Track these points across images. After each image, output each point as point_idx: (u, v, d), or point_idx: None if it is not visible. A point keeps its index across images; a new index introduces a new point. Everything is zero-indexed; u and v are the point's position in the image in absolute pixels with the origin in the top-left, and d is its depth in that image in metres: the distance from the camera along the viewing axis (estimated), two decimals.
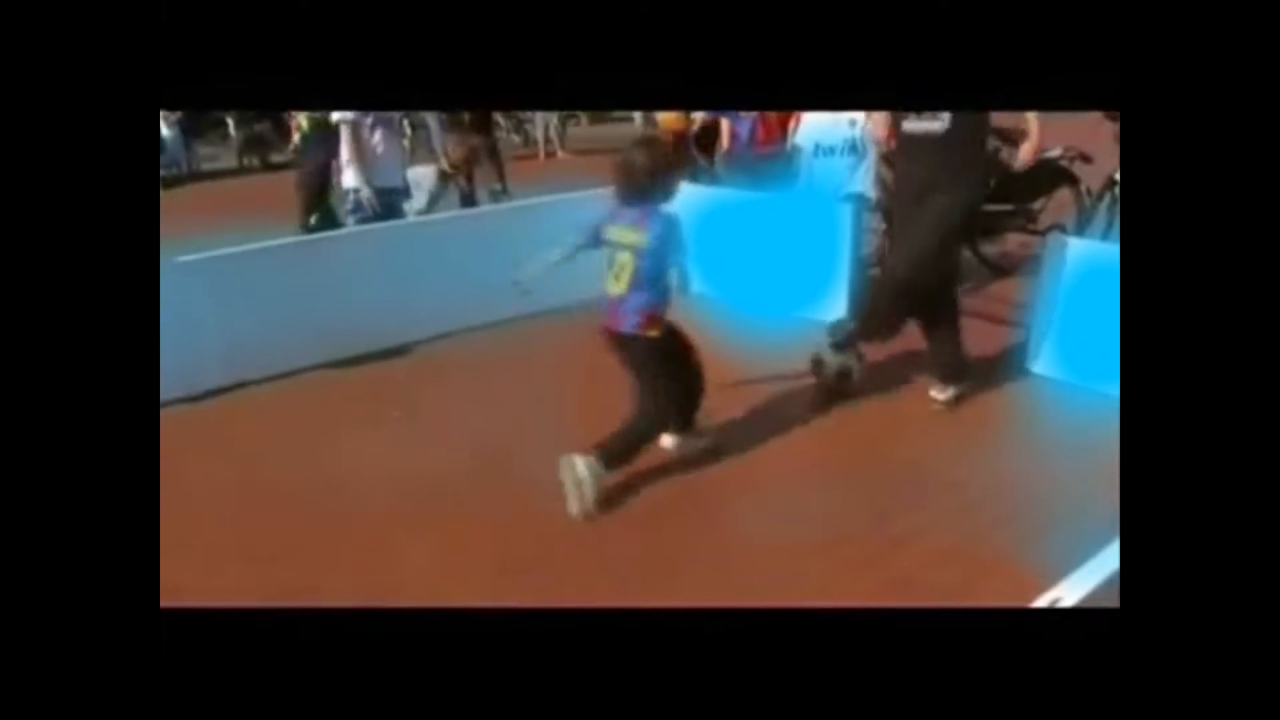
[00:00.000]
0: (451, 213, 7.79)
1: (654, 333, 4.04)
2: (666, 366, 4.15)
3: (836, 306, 6.03)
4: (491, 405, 5.27)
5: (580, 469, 3.93)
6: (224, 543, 3.82)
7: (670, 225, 3.94)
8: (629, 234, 3.97)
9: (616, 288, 4.03)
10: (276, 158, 15.05)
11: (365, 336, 5.95)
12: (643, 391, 4.16)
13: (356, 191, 6.59)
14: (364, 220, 6.59)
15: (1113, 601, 1.63)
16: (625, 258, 3.97)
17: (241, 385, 5.50)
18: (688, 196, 6.48)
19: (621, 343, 4.10)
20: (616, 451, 4.05)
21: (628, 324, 4.02)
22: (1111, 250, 5.21)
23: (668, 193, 4.00)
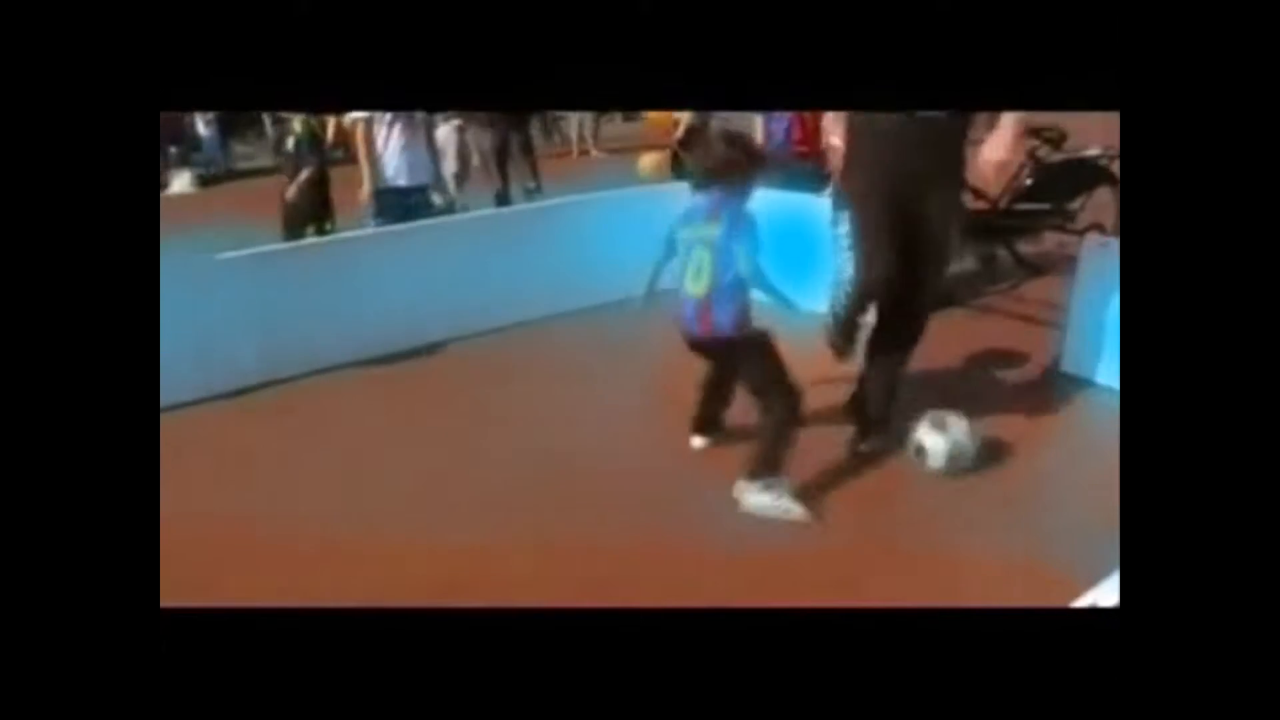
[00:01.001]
0: (486, 211, 7.84)
1: (751, 329, 3.85)
2: (775, 359, 3.89)
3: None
4: (526, 405, 5.29)
5: (756, 503, 3.87)
6: (255, 540, 3.87)
7: (740, 215, 3.81)
8: (702, 228, 3.84)
9: (697, 288, 3.82)
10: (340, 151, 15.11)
11: (399, 335, 5.99)
12: (762, 391, 3.92)
13: (378, 193, 6.44)
14: (383, 222, 6.42)
15: (1113, 601, 1.62)
16: (702, 254, 3.80)
17: (276, 382, 5.56)
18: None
19: (723, 348, 3.90)
20: (770, 463, 3.90)
21: (725, 327, 3.79)
22: None
23: (744, 186, 3.89)
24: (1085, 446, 4.50)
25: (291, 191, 7.27)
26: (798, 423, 3.94)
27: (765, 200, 5.62)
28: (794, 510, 3.86)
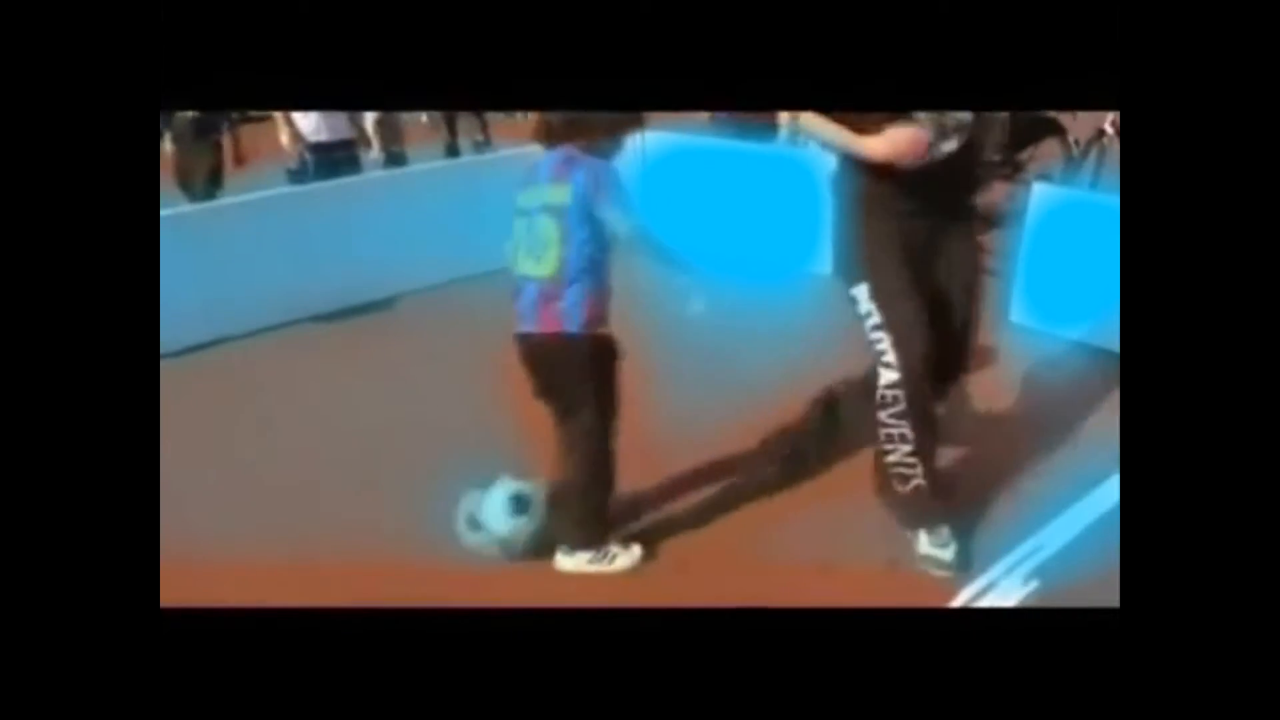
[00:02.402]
0: (435, 163, 7.74)
1: (603, 329, 3.05)
2: (611, 383, 3.12)
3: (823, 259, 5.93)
4: (477, 357, 5.24)
5: (575, 565, 3.26)
6: (198, 502, 3.83)
7: (600, 172, 2.94)
8: (548, 192, 2.95)
9: (539, 269, 2.96)
10: (254, 112, 14.71)
11: (347, 289, 5.96)
12: (579, 425, 3.11)
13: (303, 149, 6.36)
14: (301, 179, 6.32)
15: (1113, 601, 1.64)
16: (546, 225, 2.93)
17: (222, 341, 5.49)
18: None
19: (557, 349, 3.01)
20: (596, 536, 3.25)
21: (571, 320, 2.96)
22: (1096, 201, 5.21)
23: (612, 143, 3.08)
24: (1031, 391, 4.56)
25: (175, 153, 7.02)
26: (609, 488, 3.26)
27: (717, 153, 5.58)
28: (620, 558, 3.28)
